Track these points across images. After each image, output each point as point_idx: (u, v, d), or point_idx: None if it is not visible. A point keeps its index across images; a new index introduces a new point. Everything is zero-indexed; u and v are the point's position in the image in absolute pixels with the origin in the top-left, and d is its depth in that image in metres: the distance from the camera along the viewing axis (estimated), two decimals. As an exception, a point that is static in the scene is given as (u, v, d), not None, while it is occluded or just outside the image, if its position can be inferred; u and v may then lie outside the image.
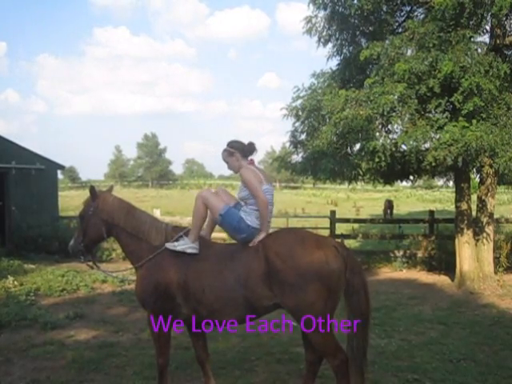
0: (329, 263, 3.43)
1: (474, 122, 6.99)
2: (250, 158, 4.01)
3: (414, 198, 40.92)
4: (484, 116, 7.28)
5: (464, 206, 8.85)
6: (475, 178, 10.21)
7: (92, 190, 4.03)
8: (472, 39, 7.38)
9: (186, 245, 3.77)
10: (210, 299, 3.63)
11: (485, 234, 8.78)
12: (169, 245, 3.81)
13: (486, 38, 8.46)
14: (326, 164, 8.02)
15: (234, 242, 4.03)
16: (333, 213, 11.81)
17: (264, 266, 3.50)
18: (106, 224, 3.97)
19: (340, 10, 8.15)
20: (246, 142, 4.03)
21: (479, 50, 7.48)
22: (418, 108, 7.37)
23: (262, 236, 3.69)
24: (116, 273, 6.34)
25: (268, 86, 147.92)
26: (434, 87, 6.98)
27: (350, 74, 8.85)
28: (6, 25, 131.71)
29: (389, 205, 24.09)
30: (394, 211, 24.86)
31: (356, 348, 3.55)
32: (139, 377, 4.66)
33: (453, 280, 9.20)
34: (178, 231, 3.98)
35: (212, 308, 3.66)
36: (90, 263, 4.24)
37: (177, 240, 3.86)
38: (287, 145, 9.53)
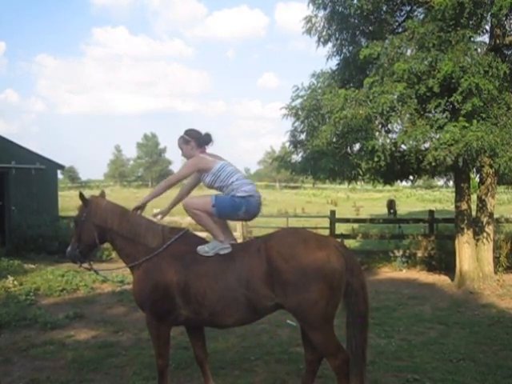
0: (331, 263, 3.43)
1: (475, 122, 6.98)
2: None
3: (413, 197, 40.91)
4: (484, 116, 7.28)
5: (464, 206, 8.85)
6: (475, 177, 10.22)
7: (81, 196, 4.03)
8: (472, 39, 7.38)
9: (217, 247, 3.75)
10: (211, 301, 3.61)
11: (485, 234, 8.78)
12: (201, 250, 3.76)
13: (485, 38, 8.46)
14: (326, 164, 8.02)
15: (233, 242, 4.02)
16: (333, 213, 11.81)
17: (266, 266, 3.49)
18: (99, 229, 3.96)
19: (340, 9, 8.15)
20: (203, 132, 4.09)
21: (479, 50, 7.48)
22: (418, 108, 7.37)
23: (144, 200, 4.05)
24: (115, 273, 6.33)
25: (267, 85, 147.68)
26: (434, 87, 6.98)
27: (350, 73, 8.85)
28: (5, 24, 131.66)
29: (390, 204, 23.99)
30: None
31: (355, 348, 3.55)
32: (139, 377, 4.66)
33: (453, 280, 9.19)
34: (175, 233, 3.97)
35: (214, 310, 3.64)
36: (86, 265, 4.21)
37: (194, 242, 3.88)
38: (287, 144, 9.53)
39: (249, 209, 3.81)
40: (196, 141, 4.03)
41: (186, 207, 3.86)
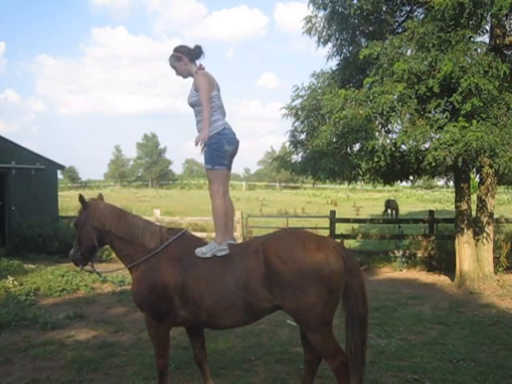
0: (330, 264, 3.40)
1: (474, 122, 6.99)
2: (198, 63, 4.02)
3: (413, 198, 40.84)
4: (484, 116, 7.29)
5: (464, 206, 8.85)
6: (475, 177, 10.22)
7: (81, 199, 4.05)
8: (472, 39, 7.39)
9: (214, 249, 3.72)
10: (209, 303, 3.60)
11: (485, 234, 8.78)
12: (198, 252, 3.74)
13: (485, 38, 8.48)
14: (326, 164, 8.02)
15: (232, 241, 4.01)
16: (333, 213, 11.81)
17: (264, 268, 3.47)
18: (97, 231, 3.98)
19: (340, 9, 8.15)
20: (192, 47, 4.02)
21: (479, 50, 7.48)
22: (418, 108, 7.37)
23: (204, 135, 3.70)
24: (115, 273, 6.32)
25: (267, 86, 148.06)
26: (434, 87, 6.98)
27: (350, 73, 8.86)
28: (5, 25, 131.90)
29: (389, 205, 23.77)
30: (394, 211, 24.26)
31: (354, 350, 3.52)
32: (139, 377, 4.66)
33: (453, 280, 9.19)
34: (173, 233, 3.97)
35: (212, 311, 3.63)
36: (88, 267, 4.23)
37: (194, 245, 3.84)
38: (287, 144, 9.54)
39: (229, 139, 3.87)
40: (188, 56, 3.97)
41: (211, 194, 3.91)
